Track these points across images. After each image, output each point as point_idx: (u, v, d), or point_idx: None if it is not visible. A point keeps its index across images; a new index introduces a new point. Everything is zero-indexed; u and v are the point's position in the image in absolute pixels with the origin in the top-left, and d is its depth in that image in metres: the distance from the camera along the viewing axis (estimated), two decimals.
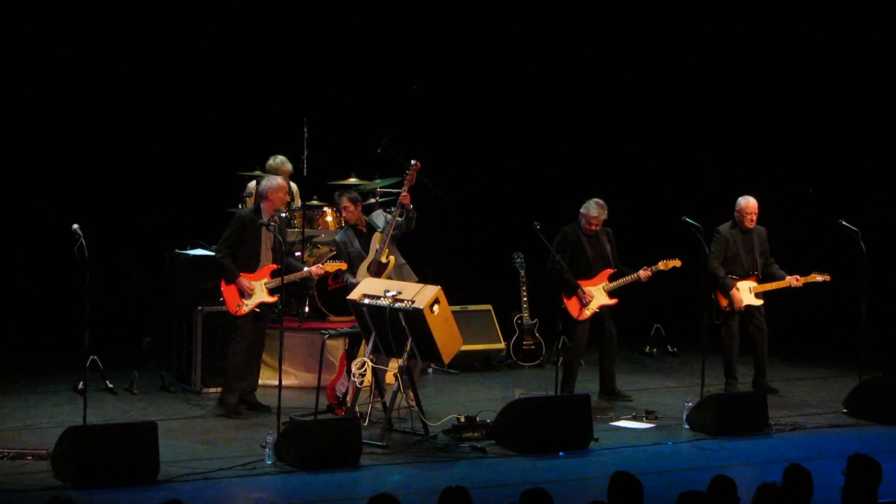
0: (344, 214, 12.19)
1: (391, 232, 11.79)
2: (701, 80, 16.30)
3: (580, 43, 16.27)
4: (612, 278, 12.29)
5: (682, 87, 16.36)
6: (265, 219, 11.32)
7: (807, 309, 13.08)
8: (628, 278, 12.22)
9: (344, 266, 11.74)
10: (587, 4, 16.30)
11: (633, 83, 16.45)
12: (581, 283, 12.18)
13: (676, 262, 12.32)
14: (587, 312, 12.20)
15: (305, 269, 11.63)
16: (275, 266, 11.41)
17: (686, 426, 11.41)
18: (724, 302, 12.61)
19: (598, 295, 12.25)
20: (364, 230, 12.11)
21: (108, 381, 12.20)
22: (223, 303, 11.44)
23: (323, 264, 11.69)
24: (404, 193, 11.77)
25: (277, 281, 11.27)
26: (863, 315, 12.16)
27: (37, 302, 14.13)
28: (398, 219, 11.76)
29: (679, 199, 14.86)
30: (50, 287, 13.84)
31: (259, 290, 11.41)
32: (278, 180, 11.61)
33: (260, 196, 11.54)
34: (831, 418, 11.97)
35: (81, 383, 11.09)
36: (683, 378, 13.74)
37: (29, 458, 9.78)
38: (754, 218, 12.68)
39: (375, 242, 11.92)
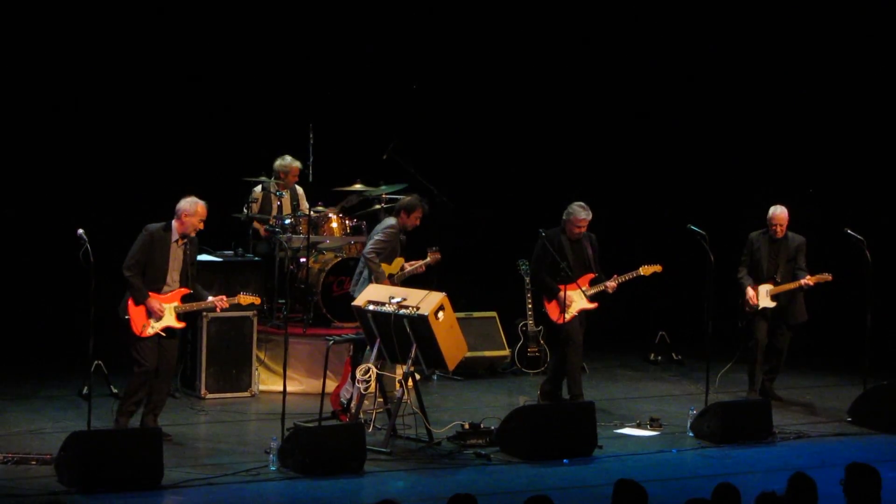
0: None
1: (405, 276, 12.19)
2: (705, 84, 16.28)
3: (586, 48, 16.25)
4: (593, 283, 12.28)
5: (685, 92, 16.33)
6: (173, 239, 10.74)
7: (812, 317, 13.06)
8: (601, 286, 12.21)
9: (258, 300, 11.35)
10: (593, 9, 16.28)
11: (637, 89, 16.42)
12: (562, 286, 12.14)
13: (657, 268, 12.36)
14: (567, 316, 12.16)
15: (210, 298, 10.90)
16: (187, 290, 10.79)
17: (690, 434, 11.42)
18: (748, 305, 12.68)
19: (577, 299, 12.20)
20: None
21: (112, 386, 12.19)
22: (128, 321, 10.61)
23: (236, 297, 11.13)
24: (422, 266, 12.29)
25: (188, 307, 10.77)
26: (868, 324, 12.17)
27: (41, 306, 14.12)
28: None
29: (684, 205, 14.88)
30: (55, 292, 13.83)
31: (168, 314, 10.68)
32: (198, 205, 10.84)
33: (175, 213, 10.86)
34: (836, 427, 11.96)
35: (86, 388, 11.09)
36: (688, 386, 13.72)
37: (33, 462, 9.79)
38: (779, 228, 12.69)
39: (395, 267, 12.18)
